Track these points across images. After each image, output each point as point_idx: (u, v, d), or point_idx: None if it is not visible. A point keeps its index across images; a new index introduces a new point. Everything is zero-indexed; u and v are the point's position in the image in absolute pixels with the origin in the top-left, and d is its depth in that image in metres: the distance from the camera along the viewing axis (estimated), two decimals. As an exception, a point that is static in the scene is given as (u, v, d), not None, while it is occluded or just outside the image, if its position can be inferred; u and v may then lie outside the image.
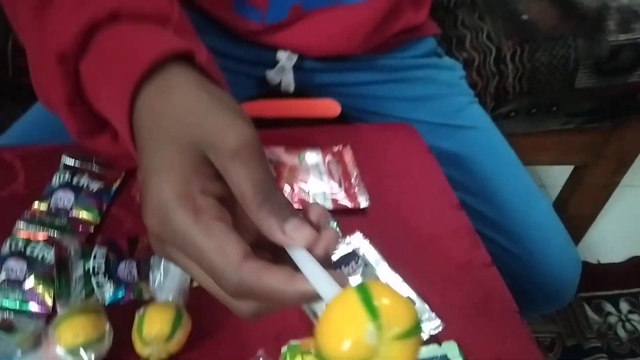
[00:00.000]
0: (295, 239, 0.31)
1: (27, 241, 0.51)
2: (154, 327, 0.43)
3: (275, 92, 0.77)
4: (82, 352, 0.42)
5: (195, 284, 0.50)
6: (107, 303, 0.48)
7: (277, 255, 0.33)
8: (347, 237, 0.57)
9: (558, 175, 1.38)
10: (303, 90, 0.78)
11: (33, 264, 0.49)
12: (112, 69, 0.37)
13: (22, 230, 0.52)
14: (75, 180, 0.57)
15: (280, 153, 0.62)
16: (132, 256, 0.51)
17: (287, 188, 0.59)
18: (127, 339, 0.44)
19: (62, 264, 0.49)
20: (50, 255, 0.50)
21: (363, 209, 0.60)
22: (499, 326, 0.52)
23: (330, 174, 0.62)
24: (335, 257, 0.55)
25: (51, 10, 0.40)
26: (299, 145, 0.64)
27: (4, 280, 0.48)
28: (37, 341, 0.43)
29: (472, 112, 0.84)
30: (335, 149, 0.65)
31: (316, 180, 0.61)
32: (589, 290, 1.38)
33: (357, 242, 0.56)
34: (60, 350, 0.42)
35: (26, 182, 0.58)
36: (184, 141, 0.32)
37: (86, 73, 0.39)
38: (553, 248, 0.79)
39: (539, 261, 0.79)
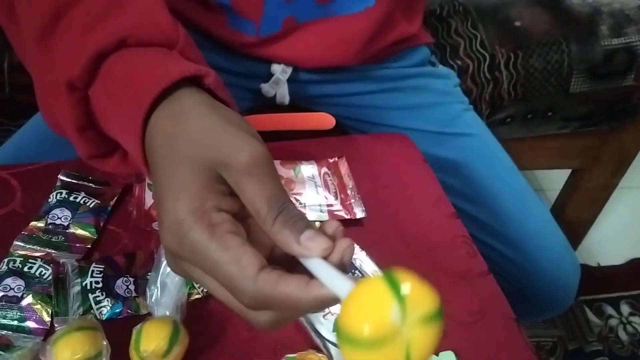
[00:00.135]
0: (311, 249, 0.31)
1: (25, 259, 0.51)
2: (151, 342, 0.43)
3: (271, 104, 0.77)
4: (80, 369, 0.42)
5: (192, 299, 0.51)
6: (104, 319, 0.48)
7: (292, 271, 0.33)
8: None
9: (556, 178, 1.38)
10: (298, 102, 0.78)
11: (31, 282, 0.50)
12: (122, 96, 0.38)
13: (20, 248, 0.52)
14: (72, 197, 0.57)
15: (276, 166, 0.63)
16: (129, 272, 0.52)
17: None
18: (124, 355, 0.44)
19: (60, 281, 0.50)
20: (47, 273, 0.51)
21: (359, 219, 0.60)
22: (496, 334, 0.52)
23: (326, 186, 0.62)
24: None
25: (57, 39, 0.41)
26: (294, 157, 0.64)
27: (1, 298, 0.48)
28: (35, 359, 0.43)
29: (468, 120, 0.84)
30: (331, 160, 0.66)
31: (312, 192, 0.61)
32: (590, 294, 1.38)
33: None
34: (58, 368, 0.42)
35: (23, 200, 0.58)
36: (197, 161, 0.33)
37: (96, 99, 0.40)
38: (551, 254, 0.80)
39: (538, 267, 0.79)
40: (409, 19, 0.78)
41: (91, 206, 0.57)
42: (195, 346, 0.46)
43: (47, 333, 0.47)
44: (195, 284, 0.51)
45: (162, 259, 0.49)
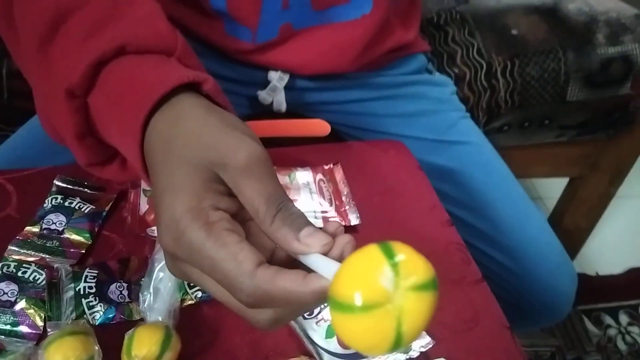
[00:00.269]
0: (310, 245, 0.31)
1: (19, 264, 0.51)
2: (143, 348, 0.43)
3: (268, 111, 0.78)
4: (71, 374, 0.42)
5: (185, 305, 0.51)
6: (97, 324, 0.48)
7: None
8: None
9: (554, 187, 1.38)
10: (295, 109, 0.79)
11: (24, 287, 0.50)
12: (121, 103, 0.38)
13: (14, 253, 0.53)
14: (67, 203, 0.57)
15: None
16: (123, 277, 0.52)
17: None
18: (117, 360, 0.44)
19: (53, 286, 0.50)
20: (41, 278, 0.51)
21: (354, 226, 0.60)
22: (490, 342, 0.52)
23: (321, 192, 0.62)
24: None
25: (55, 47, 0.41)
26: (289, 164, 0.65)
27: (-5, 303, 0.48)
28: (27, 364, 0.43)
29: (464, 127, 0.84)
30: (326, 167, 0.66)
31: (307, 199, 0.61)
32: (588, 303, 1.37)
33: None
34: (49, 373, 0.42)
35: (19, 205, 0.58)
36: (195, 162, 0.33)
37: (95, 107, 0.40)
38: (548, 263, 0.79)
39: (535, 276, 0.79)
40: (406, 27, 0.79)
41: (86, 211, 0.57)
42: (188, 352, 0.46)
43: (40, 338, 0.47)
44: (188, 290, 0.51)
45: (156, 265, 0.49)
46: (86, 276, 0.51)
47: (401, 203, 0.65)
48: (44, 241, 0.54)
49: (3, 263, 0.51)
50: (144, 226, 0.56)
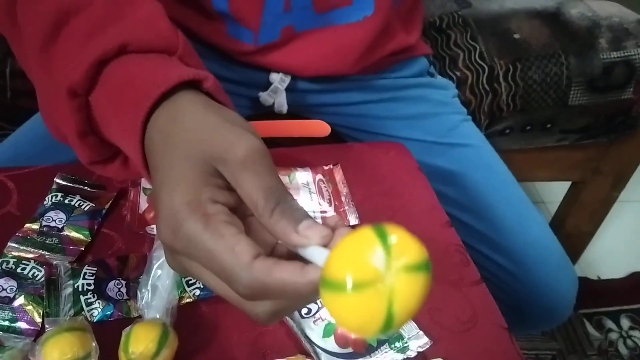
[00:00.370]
0: (309, 237, 0.31)
1: (19, 260, 0.52)
2: (140, 345, 0.43)
3: (269, 112, 0.78)
4: (68, 370, 0.42)
5: (183, 303, 0.51)
6: (95, 321, 0.48)
7: None
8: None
9: (557, 191, 1.38)
10: (296, 111, 0.79)
11: (23, 283, 0.50)
12: (122, 101, 0.38)
13: (14, 249, 0.53)
14: (67, 200, 0.58)
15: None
16: (121, 275, 0.52)
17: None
18: (114, 356, 0.44)
19: (52, 283, 0.50)
20: (40, 274, 0.51)
21: (353, 227, 0.60)
22: (488, 343, 0.52)
23: (321, 193, 0.62)
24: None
25: (58, 47, 0.41)
26: (289, 164, 0.65)
27: (-7, 299, 0.49)
28: (24, 359, 0.43)
29: (465, 130, 0.84)
30: (326, 167, 0.66)
31: (306, 199, 0.61)
32: (590, 307, 1.37)
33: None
34: (47, 368, 0.42)
35: (19, 202, 0.59)
36: (193, 156, 0.33)
37: (97, 105, 0.40)
38: (549, 265, 0.79)
39: (535, 279, 0.78)
40: (408, 30, 0.79)
41: (86, 209, 0.57)
42: (185, 350, 0.46)
43: (38, 334, 0.47)
44: (186, 288, 0.51)
45: (154, 262, 0.49)
46: (85, 273, 0.51)
47: (400, 204, 0.65)
48: (44, 238, 0.54)
49: (2, 259, 0.52)
50: (144, 224, 0.56)
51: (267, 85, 0.75)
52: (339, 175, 0.65)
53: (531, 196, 0.85)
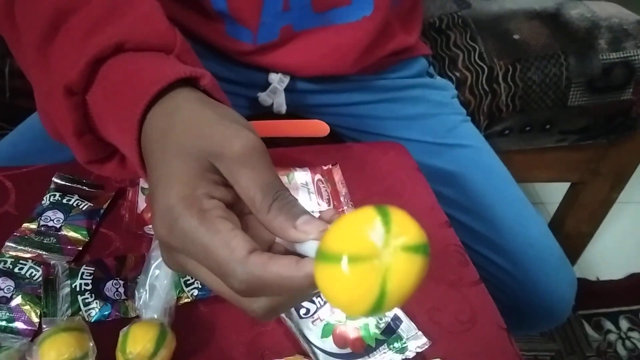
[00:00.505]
0: (307, 232, 0.31)
1: (16, 260, 0.52)
2: (138, 345, 0.43)
3: (268, 113, 0.78)
4: (65, 370, 0.42)
5: (181, 303, 0.51)
6: (93, 320, 0.48)
7: None
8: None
9: (556, 192, 1.38)
10: (295, 111, 0.79)
11: (21, 283, 0.50)
12: (119, 99, 0.38)
13: (11, 249, 0.53)
14: (65, 200, 0.57)
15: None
16: (119, 275, 0.52)
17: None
18: (111, 357, 0.44)
19: (50, 283, 0.50)
20: (38, 274, 0.51)
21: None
22: (487, 344, 0.52)
23: (319, 193, 0.62)
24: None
25: (56, 45, 0.41)
26: (288, 164, 0.65)
27: (-10, 299, 0.48)
28: (22, 359, 0.43)
29: (464, 131, 0.84)
30: (325, 167, 0.66)
31: (305, 199, 0.61)
32: (589, 308, 1.37)
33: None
34: (44, 368, 0.42)
35: (17, 202, 0.59)
36: (190, 152, 0.33)
37: (93, 103, 0.40)
38: (547, 266, 0.79)
39: (534, 279, 0.78)
40: (407, 30, 0.79)
41: (84, 209, 0.57)
42: (183, 350, 0.46)
43: (35, 334, 0.47)
44: (184, 288, 0.51)
45: (152, 262, 0.49)
46: (82, 273, 0.51)
47: (399, 204, 0.63)
48: (41, 238, 0.54)
49: (0, 259, 0.51)
50: (142, 224, 0.56)
51: (266, 85, 0.75)
52: (337, 175, 0.65)
53: (530, 197, 0.85)
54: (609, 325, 1.35)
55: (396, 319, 0.51)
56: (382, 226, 0.26)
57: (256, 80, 0.75)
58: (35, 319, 0.48)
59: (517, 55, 0.98)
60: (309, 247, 0.31)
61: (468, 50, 0.99)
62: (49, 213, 0.56)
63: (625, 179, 1.21)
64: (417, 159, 0.72)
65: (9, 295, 0.49)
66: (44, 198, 0.58)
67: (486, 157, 0.83)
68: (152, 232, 0.56)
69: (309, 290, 0.30)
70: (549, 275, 0.79)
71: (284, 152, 0.69)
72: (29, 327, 0.47)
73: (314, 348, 0.48)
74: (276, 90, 0.75)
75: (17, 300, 0.48)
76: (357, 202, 0.62)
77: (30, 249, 0.53)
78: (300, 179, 0.63)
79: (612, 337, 1.32)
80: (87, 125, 0.41)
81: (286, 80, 0.75)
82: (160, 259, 0.48)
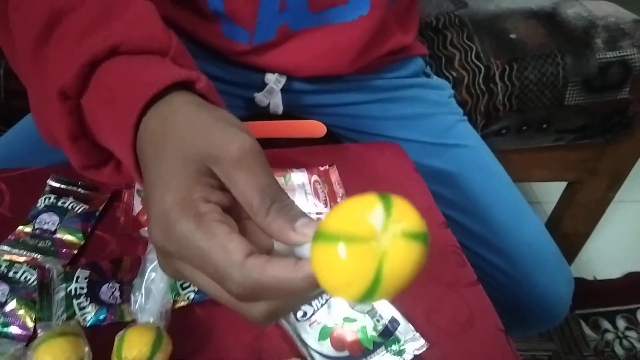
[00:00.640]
0: (307, 234, 0.30)
1: (11, 264, 0.51)
2: (134, 349, 0.43)
3: (264, 113, 0.77)
4: (60, 375, 0.42)
5: (177, 306, 0.50)
6: (88, 325, 0.48)
7: None
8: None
9: (553, 191, 1.38)
10: (292, 112, 0.78)
11: (15, 287, 0.49)
12: (114, 103, 0.38)
13: (6, 253, 0.52)
14: (60, 202, 0.57)
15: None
16: (115, 278, 0.51)
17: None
18: (107, 361, 0.44)
19: (45, 287, 0.49)
20: (33, 278, 0.50)
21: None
22: (485, 345, 0.52)
23: (316, 194, 0.62)
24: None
25: (50, 49, 0.41)
26: (285, 165, 0.64)
27: (-15, 303, 0.48)
28: (16, 364, 0.43)
29: (461, 131, 0.84)
30: (322, 168, 0.66)
31: (302, 200, 0.61)
32: (586, 307, 1.37)
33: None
34: (39, 374, 0.42)
35: (12, 204, 0.58)
36: (185, 155, 0.33)
37: (88, 108, 0.40)
38: (545, 266, 0.79)
39: (531, 279, 0.78)
40: (404, 30, 0.79)
41: (79, 211, 0.57)
42: (179, 354, 0.46)
43: (30, 339, 0.47)
44: (180, 291, 0.51)
45: (148, 265, 0.49)
46: (78, 277, 0.50)
47: None
48: (36, 241, 0.54)
49: (-6, 263, 0.51)
50: (137, 226, 0.56)
51: (262, 85, 0.75)
52: (334, 176, 0.65)
53: (527, 196, 0.84)
54: (606, 324, 1.35)
55: (394, 321, 0.51)
56: (382, 211, 0.26)
57: (252, 80, 0.75)
58: (30, 324, 0.47)
59: (514, 55, 0.98)
60: (308, 250, 0.30)
61: (465, 49, 0.98)
62: (44, 216, 0.55)
63: (622, 178, 1.21)
64: (414, 159, 0.72)
65: (3, 300, 0.48)
66: (39, 200, 0.57)
67: (483, 156, 0.83)
68: (147, 235, 0.55)
69: (308, 292, 0.30)
70: (546, 275, 0.79)
71: (281, 153, 0.68)
72: (24, 332, 0.47)
73: (312, 351, 0.48)
74: (272, 91, 0.75)
75: (12, 304, 0.48)
76: (354, 203, 0.62)
77: (25, 252, 0.52)
78: (297, 179, 0.63)
79: (609, 336, 1.33)
80: (82, 129, 0.41)
81: (283, 80, 0.74)
82: (156, 262, 0.48)
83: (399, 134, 0.80)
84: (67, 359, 0.42)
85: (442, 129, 0.82)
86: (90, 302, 0.49)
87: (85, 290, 0.49)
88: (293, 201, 0.32)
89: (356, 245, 0.26)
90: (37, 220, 0.55)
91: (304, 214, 0.32)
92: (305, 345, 0.48)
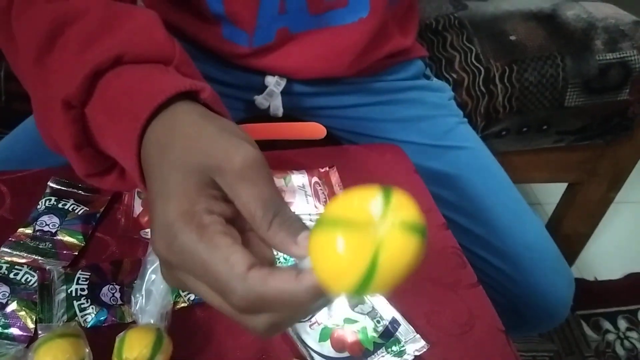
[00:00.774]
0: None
1: (11, 265, 0.51)
2: (134, 350, 0.43)
3: (264, 116, 0.78)
4: (61, 376, 0.42)
5: (178, 308, 0.50)
6: (89, 326, 0.48)
7: None
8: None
9: (553, 192, 1.38)
10: (292, 114, 0.79)
11: (16, 288, 0.49)
12: (119, 112, 0.38)
13: (7, 254, 0.52)
14: (61, 204, 0.57)
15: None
16: (115, 279, 0.52)
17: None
18: (108, 363, 0.44)
19: (45, 288, 0.49)
20: (33, 280, 0.50)
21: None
22: (485, 346, 0.52)
23: (317, 195, 0.62)
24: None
25: (53, 57, 0.41)
26: (285, 167, 0.64)
27: (-14, 305, 0.48)
28: (17, 366, 0.43)
29: (461, 133, 0.84)
30: (322, 170, 0.66)
31: (302, 202, 0.61)
32: (587, 308, 1.37)
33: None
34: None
35: (12, 206, 0.58)
36: (189, 166, 0.33)
37: (92, 117, 0.40)
38: (545, 267, 0.79)
39: (532, 281, 0.78)
40: (404, 32, 0.79)
41: (80, 213, 0.57)
42: (180, 355, 0.46)
43: (31, 340, 0.47)
44: (181, 293, 0.51)
45: (148, 267, 0.49)
46: (78, 278, 0.50)
47: None
48: (37, 243, 0.54)
49: (-5, 265, 0.51)
50: (138, 228, 0.56)
51: (262, 88, 0.75)
52: (334, 177, 0.65)
53: (528, 198, 0.85)
54: (607, 325, 1.35)
55: (394, 322, 0.51)
56: (382, 200, 0.26)
57: (253, 83, 0.75)
58: (31, 325, 0.48)
59: (514, 57, 0.98)
60: (308, 261, 0.30)
61: (464, 51, 0.99)
62: (45, 218, 0.56)
63: (623, 179, 1.21)
64: (414, 161, 0.72)
65: (4, 301, 0.48)
66: (40, 202, 0.57)
67: (483, 158, 0.83)
68: (148, 236, 0.55)
69: (310, 304, 0.30)
70: (547, 276, 0.79)
71: (281, 155, 0.69)
72: (25, 333, 0.47)
73: (312, 352, 0.48)
74: (273, 93, 0.75)
75: (13, 306, 0.48)
76: (355, 204, 0.62)
77: (25, 254, 0.52)
78: (297, 181, 0.63)
79: (610, 337, 1.32)
80: (86, 138, 0.41)
81: (283, 83, 0.74)
82: (156, 264, 0.48)
83: (399, 136, 0.80)
84: (68, 360, 0.42)
85: (442, 131, 0.82)
86: (90, 304, 0.49)
87: (85, 292, 0.50)
88: (296, 215, 0.32)
89: (352, 231, 0.26)
90: (38, 222, 0.55)
91: (305, 227, 0.32)
92: (306, 346, 0.48)
